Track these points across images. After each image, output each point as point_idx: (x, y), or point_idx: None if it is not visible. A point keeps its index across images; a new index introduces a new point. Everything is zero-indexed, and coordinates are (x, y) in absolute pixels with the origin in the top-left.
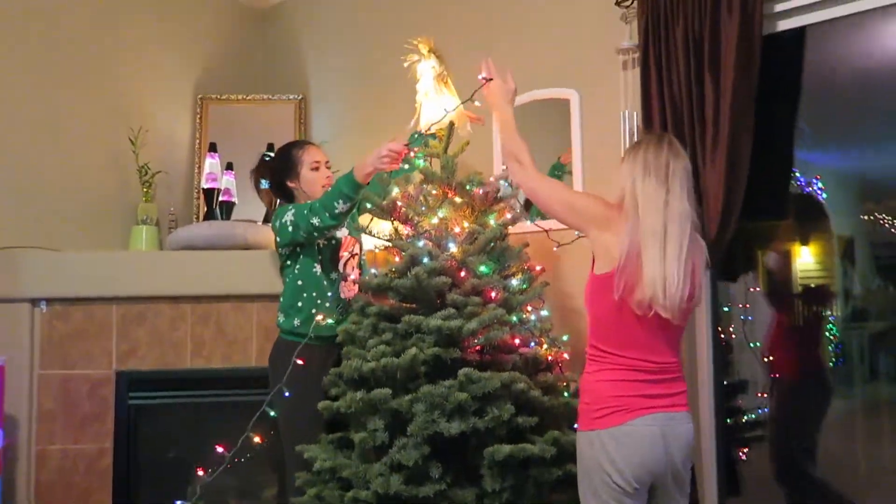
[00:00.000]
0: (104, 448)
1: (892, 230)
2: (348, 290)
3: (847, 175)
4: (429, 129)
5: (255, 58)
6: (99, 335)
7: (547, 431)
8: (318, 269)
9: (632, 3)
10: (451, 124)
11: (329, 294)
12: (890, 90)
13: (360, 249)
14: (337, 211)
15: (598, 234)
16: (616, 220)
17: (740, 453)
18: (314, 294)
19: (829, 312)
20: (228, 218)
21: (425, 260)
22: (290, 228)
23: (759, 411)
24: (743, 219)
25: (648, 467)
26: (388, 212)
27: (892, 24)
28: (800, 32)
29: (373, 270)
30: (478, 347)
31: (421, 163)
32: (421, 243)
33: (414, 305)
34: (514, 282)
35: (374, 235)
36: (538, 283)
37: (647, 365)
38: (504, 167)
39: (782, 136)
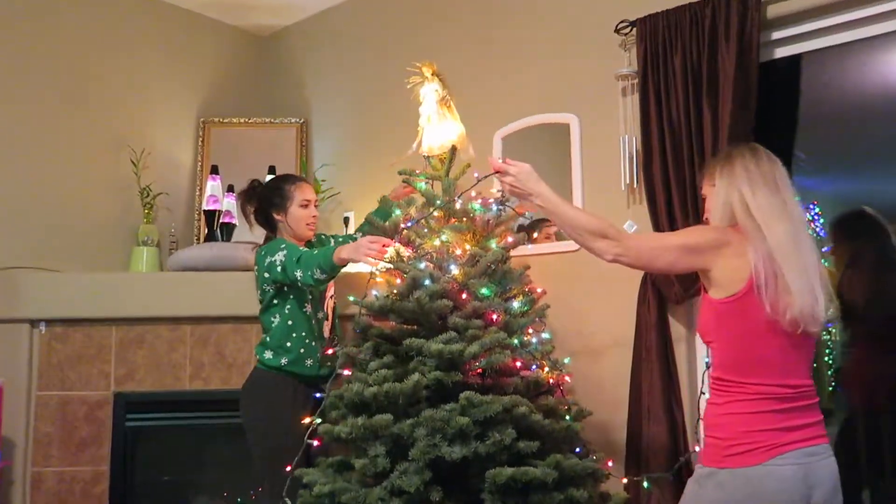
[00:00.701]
0: (100, 471)
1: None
2: (329, 331)
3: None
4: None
5: (257, 82)
6: (97, 357)
7: (549, 456)
8: (308, 308)
9: (631, 30)
10: (454, 147)
11: (316, 334)
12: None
13: (333, 291)
14: (315, 277)
15: (721, 262)
16: (734, 240)
17: None
18: (303, 333)
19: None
20: (229, 240)
21: (427, 282)
22: (279, 269)
23: None
24: None
25: None
26: (389, 234)
27: (887, 51)
28: (796, 60)
29: (374, 293)
30: (479, 371)
31: (422, 185)
32: (422, 265)
33: (415, 328)
34: (516, 304)
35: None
36: (539, 305)
37: (783, 391)
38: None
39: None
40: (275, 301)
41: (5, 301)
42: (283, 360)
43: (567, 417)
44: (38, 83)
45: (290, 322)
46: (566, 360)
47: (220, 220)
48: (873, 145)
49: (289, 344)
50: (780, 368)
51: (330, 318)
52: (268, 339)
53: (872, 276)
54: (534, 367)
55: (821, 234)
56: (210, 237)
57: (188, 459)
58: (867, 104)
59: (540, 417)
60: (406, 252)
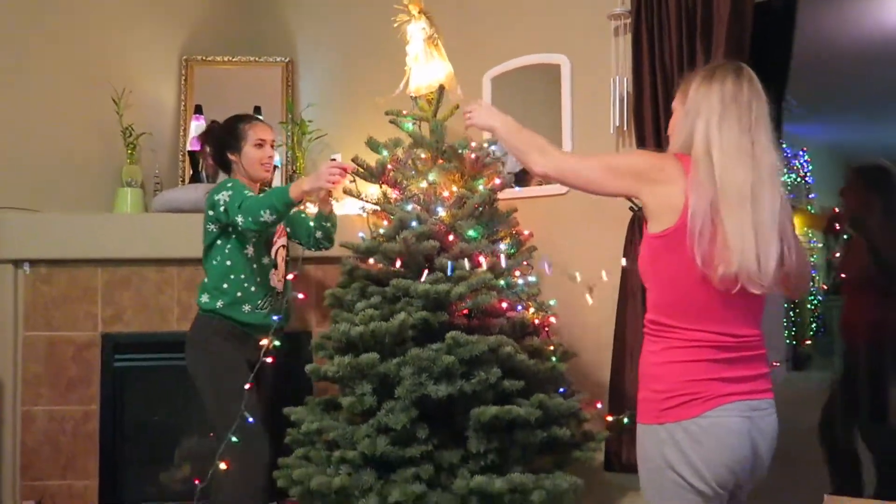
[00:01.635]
0: (90, 410)
1: None
2: (277, 281)
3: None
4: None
5: (241, 19)
6: (84, 298)
7: (533, 395)
8: (249, 251)
9: None
10: (442, 87)
11: (258, 279)
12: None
13: (288, 245)
14: (261, 219)
15: (652, 190)
16: (673, 169)
17: None
18: (242, 276)
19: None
20: (214, 181)
21: (414, 224)
22: (222, 209)
23: None
24: None
25: (732, 467)
26: (376, 175)
27: None
28: (792, 2)
29: (361, 234)
30: (465, 311)
31: (410, 126)
32: (409, 207)
33: (402, 269)
34: (503, 246)
35: (363, 199)
36: (526, 247)
37: (725, 341)
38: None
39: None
40: (217, 241)
41: None
42: (219, 303)
43: (552, 358)
44: (15, 22)
45: (228, 263)
46: (552, 302)
47: (205, 161)
48: (867, 92)
49: (225, 286)
50: (721, 316)
51: (281, 268)
52: (206, 280)
53: (880, 229)
54: (519, 307)
55: (809, 181)
56: (195, 178)
57: (177, 400)
58: (862, 50)
59: (525, 357)
60: (393, 194)
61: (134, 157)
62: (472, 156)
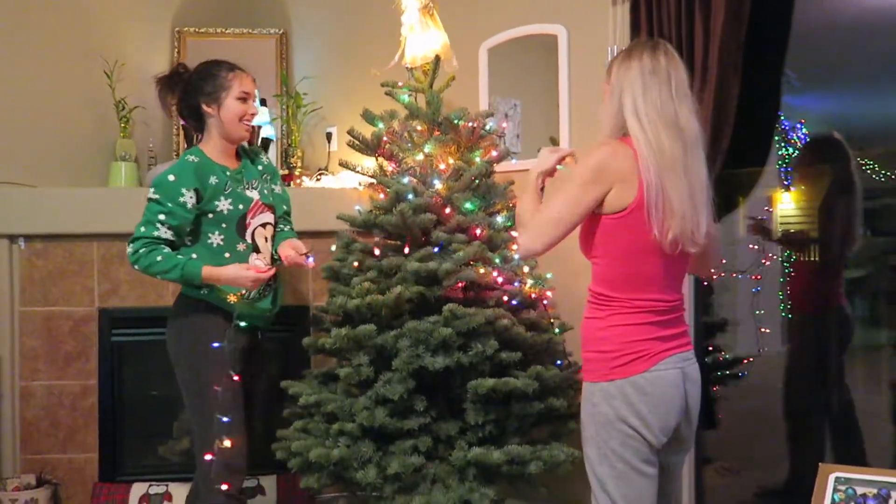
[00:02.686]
0: (89, 385)
1: (874, 177)
2: (265, 265)
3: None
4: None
5: None
6: (80, 273)
7: (530, 367)
8: (215, 239)
9: None
10: (437, 58)
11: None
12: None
13: (275, 221)
14: (152, 272)
15: (621, 186)
16: (626, 157)
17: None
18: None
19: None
20: None
21: (410, 197)
22: (144, 216)
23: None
24: (727, 166)
25: (674, 415)
26: (372, 148)
27: None
28: None
29: (357, 207)
30: (461, 284)
31: (405, 98)
32: (406, 180)
33: (398, 243)
34: (500, 219)
35: (358, 172)
36: None
37: (660, 305)
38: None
39: (768, 82)
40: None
41: None
42: (203, 291)
43: (557, 331)
44: None
45: (193, 256)
46: (548, 276)
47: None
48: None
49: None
50: (660, 285)
51: (266, 248)
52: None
53: (828, 199)
54: (516, 283)
55: None
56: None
57: (174, 375)
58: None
59: (522, 330)
60: (389, 166)
61: (127, 130)
62: (469, 125)
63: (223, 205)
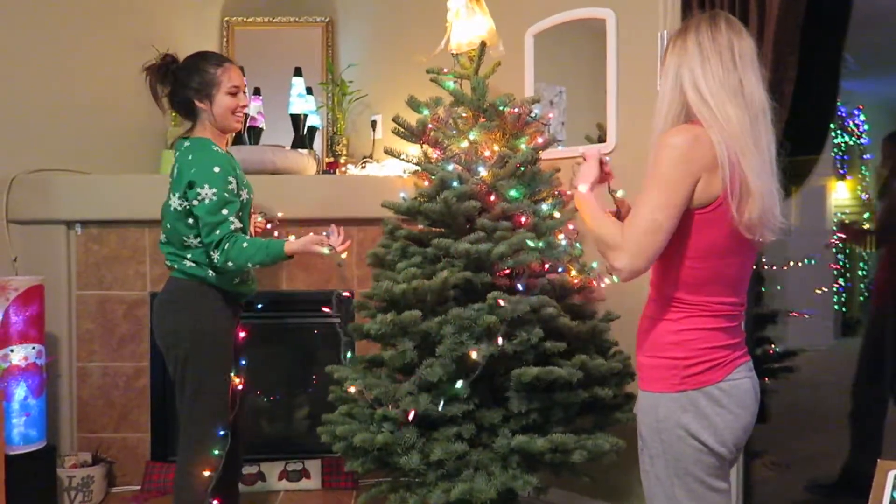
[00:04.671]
0: (142, 367)
1: None
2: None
3: (892, 108)
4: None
5: None
6: (133, 258)
7: (574, 356)
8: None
9: None
10: (483, 44)
11: None
12: None
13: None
14: (243, 262)
15: (709, 177)
16: (704, 153)
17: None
18: None
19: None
20: (257, 143)
21: (455, 184)
22: (201, 213)
23: None
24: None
25: (747, 427)
26: (417, 135)
27: None
28: None
29: (402, 194)
30: (506, 271)
31: (451, 84)
32: (450, 167)
33: (443, 230)
34: (545, 207)
35: (403, 160)
36: (569, 208)
37: (728, 309)
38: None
39: (826, 66)
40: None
41: (41, 203)
42: (210, 273)
43: (594, 320)
44: None
45: None
46: (594, 265)
47: (248, 124)
48: None
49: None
50: (735, 286)
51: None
52: (191, 253)
53: None
54: (560, 269)
55: (864, 142)
56: (237, 140)
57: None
58: None
59: (567, 319)
60: (434, 153)
61: (177, 119)
62: (515, 111)
63: (244, 194)
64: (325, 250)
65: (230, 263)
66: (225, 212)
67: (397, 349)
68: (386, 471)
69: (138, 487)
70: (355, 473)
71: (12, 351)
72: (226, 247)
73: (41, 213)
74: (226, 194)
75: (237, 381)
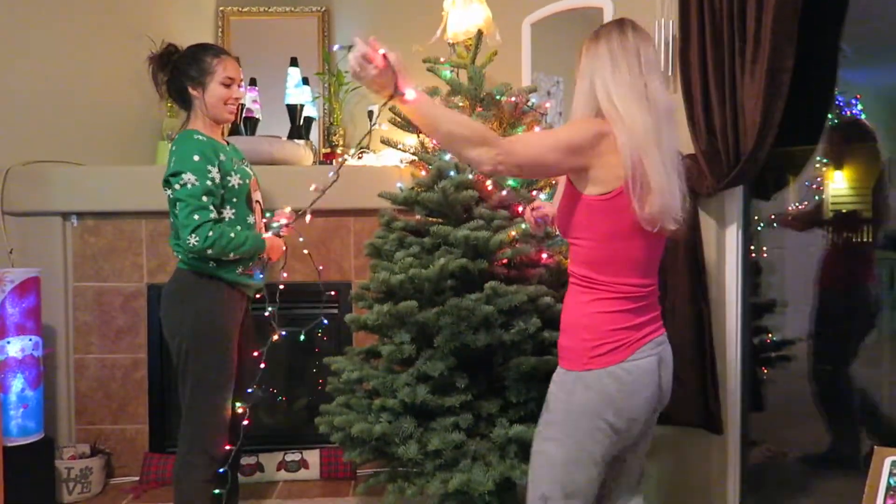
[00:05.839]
0: (139, 358)
1: None
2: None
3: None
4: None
5: None
6: (129, 249)
7: None
8: (229, 213)
9: None
10: (480, 33)
11: None
12: None
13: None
14: (229, 250)
15: (601, 159)
16: (610, 133)
17: (763, 371)
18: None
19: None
20: (253, 133)
21: (452, 173)
22: (178, 203)
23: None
24: (779, 143)
25: (649, 404)
26: (414, 125)
27: None
28: None
29: (399, 185)
30: (504, 261)
31: (447, 74)
32: (447, 156)
33: (440, 220)
34: (543, 196)
35: (400, 150)
36: None
37: (638, 291)
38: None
39: (823, 55)
40: None
41: (36, 194)
42: (211, 264)
43: None
44: None
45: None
46: None
47: (244, 115)
48: None
49: (211, 251)
50: (643, 268)
51: (259, 222)
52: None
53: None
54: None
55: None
56: (234, 131)
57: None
58: None
59: None
60: (431, 143)
61: (174, 110)
62: (512, 100)
63: (234, 180)
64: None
65: (210, 251)
66: (205, 199)
67: (394, 342)
68: (384, 461)
69: (137, 479)
70: (353, 463)
71: (9, 343)
72: (210, 234)
73: (37, 204)
74: (208, 182)
75: (240, 409)
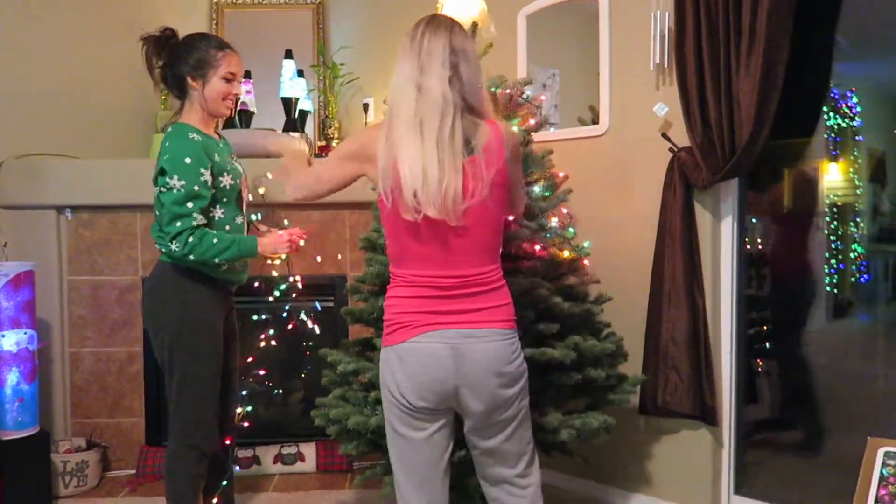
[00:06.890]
0: (134, 352)
1: None
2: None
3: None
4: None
5: None
6: (124, 243)
7: (567, 337)
8: (218, 213)
9: None
10: (475, 25)
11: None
12: None
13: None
14: (210, 256)
15: (374, 166)
16: (381, 137)
17: (759, 363)
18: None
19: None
20: (248, 127)
21: None
22: (163, 203)
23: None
24: (775, 137)
25: (431, 386)
26: None
27: None
28: None
29: None
30: None
31: None
32: None
33: None
34: (537, 189)
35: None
36: (561, 190)
37: (444, 281)
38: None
39: (818, 48)
40: None
41: (30, 188)
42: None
43: (587, 302)
44: None
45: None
46: (586, 244)
47: (238, 108)
48: None
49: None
50: (441, 261)
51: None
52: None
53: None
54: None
55: (856, 125)
56: (228, 124)
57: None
58: None
59: (560, 300)
60: None
61: (168, 103)
62: (507, 92)
63: (226, 180)
64: (284, 255)
65: (191, 256)
66: (190, 205)
67: None
68: (380, 453)
69: (133, 472)
70: (350, 456)
71: (4, 336)
72: (190, 240)
73: (30, 198)
74: (195, 187)
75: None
